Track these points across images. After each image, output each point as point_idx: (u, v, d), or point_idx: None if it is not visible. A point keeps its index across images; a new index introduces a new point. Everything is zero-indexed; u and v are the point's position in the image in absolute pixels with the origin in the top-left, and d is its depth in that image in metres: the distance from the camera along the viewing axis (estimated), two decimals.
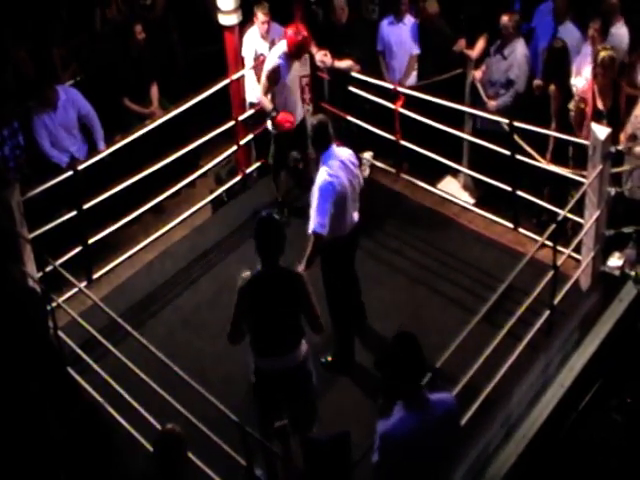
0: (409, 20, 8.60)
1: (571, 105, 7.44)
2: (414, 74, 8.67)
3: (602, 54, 7.10)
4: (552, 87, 7.60)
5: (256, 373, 5.45)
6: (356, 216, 6.33)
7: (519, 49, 8.00)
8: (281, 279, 5.24)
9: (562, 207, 6.81)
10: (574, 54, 7.83)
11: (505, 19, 7.96)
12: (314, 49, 7.96)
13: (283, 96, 7.57)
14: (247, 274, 5.25)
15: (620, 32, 7.89)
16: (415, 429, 4.37)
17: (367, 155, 8.56)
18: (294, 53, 7.40)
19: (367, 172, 8.52)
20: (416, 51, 8.62)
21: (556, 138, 7.42)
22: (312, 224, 5.97)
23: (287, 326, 5.33)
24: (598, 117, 7.13)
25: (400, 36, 8.60)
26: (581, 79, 7.52)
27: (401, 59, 8.65)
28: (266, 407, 5.49)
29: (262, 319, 5.29)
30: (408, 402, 4.38)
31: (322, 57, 8.00)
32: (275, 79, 7.44)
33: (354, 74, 8.13)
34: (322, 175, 6.03)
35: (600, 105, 7.22)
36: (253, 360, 5.43)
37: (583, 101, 7.27)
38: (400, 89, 7.97)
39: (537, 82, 7.89)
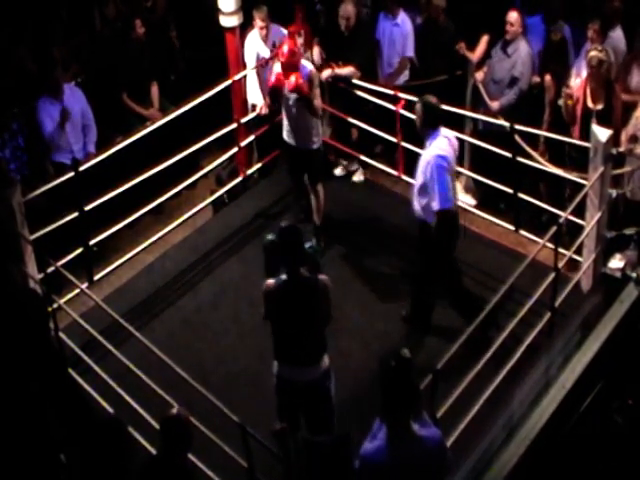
0: (403, 21, 8.56)
1: (560, 101, 7.46)
2: (405, 73, 8.70)
3: (590, 54, 7.12)
4: (547, 77, 7.60)
5: (277, 377, 5.44)
6: None
7: (523, 47, 8.00)
8: (305, 288, 5.21)
9: (561, 207, 6.82)
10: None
11: (514, 15, 7.94)
12: (316, 48, 8.15)
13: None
14: (271, 281, 5.23)
15: (617, 35, 7.91)
16: (394, 461, 4.29)
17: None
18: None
19: (362, 177, 8.58)
20: (409, 53, 8.61)
21: (548, 131, 7.47)
22: (438, 201, 6.12)
23: (310, 337, 5.28)
24: (588, 116, 7.15)
25: (391, 34, 8.58)
26: (580, 80, 7.53)
27: (389, 57, 8.66)
28: (283, 410, 5.48)
29: (285, 327, 5.27)
30: (393, 431, 4.31)
31: (326, 75, 8.10)
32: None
33: (355, 80, 8.17)
34: (434, 151, 6.17)
35: (590, 104, 7.23)
36: (276, 364, 5.44)
37: (570, 97, 7.27)
38: (401, 95, 7.96)
39: (535, 79, 7.92)
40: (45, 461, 5.57)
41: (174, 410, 4.75)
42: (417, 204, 6.40)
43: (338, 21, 8.24)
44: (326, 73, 8.10)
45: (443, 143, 6.22)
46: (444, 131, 6.30)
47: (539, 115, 7.78)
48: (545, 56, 7.91)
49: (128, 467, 4.56)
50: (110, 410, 5.96)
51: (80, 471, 4.91)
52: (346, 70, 8.18)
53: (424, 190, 6.26)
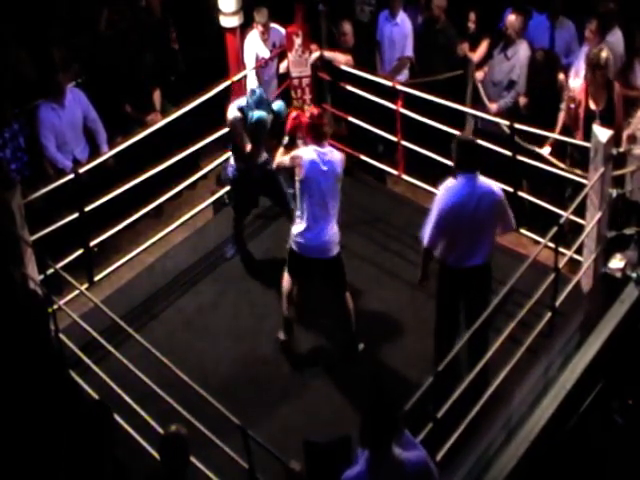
0: (403, 20, 8.61)
1: (562, 105, 7.46)
2: (405, 72, 8.72)
3: (591, 55, 7.13)
4: (561, 75, 7.58)
5: None
6: (480, 255, 5.90)
7: (522, 51, 8.03)
8: None
9: (563, 208, 6.81)
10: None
11: (512, 18, 7.97)
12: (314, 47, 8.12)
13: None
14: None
15: (615, 39, 7.91)
16: None
17: None
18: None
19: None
20: (408, 53, 8.64)
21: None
22: (422, 234, 5.86)
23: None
24: (590, 117, 7.13)
25: (392, 34, 8.67)
26: (579, 80, 7.53)
27: (390, 57, 8.73)
28: None
29: None
30: (374, 456, 4.30)
31: (315, 57, 8.09)
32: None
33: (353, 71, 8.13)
34: (441, 191, 5.77)
35: (592, 105, 7.22)
36: None
37: (573, 100, 7.27)
38: (399, 87, 7.94)
39: (522, 100, 7.91)
40: (45, 462, 5.58)
41: (173, 427, 4.78)
42: None
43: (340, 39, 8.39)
44: (315, 55, 8.07)
45: (460, 190, 5.65)
46: (480, 181, 5.72)
47: (542, 118, 7.72)
48: (530, 73, 7.97)
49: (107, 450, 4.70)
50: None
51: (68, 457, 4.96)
52: (340, 56, 8.19)
53: None
